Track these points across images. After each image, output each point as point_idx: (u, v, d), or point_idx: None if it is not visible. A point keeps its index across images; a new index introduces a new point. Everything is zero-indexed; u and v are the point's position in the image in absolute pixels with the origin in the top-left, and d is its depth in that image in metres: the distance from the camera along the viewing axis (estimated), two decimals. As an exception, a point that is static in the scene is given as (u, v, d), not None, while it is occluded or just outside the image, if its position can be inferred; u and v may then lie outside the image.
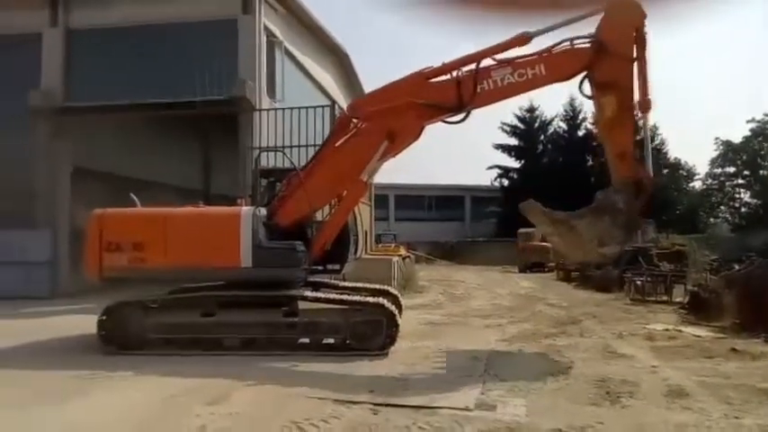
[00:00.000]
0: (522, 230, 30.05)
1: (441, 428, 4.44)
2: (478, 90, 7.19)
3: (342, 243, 8.00)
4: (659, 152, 37.81)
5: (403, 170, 48.87)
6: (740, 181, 42.22)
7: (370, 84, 21.33)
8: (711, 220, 43.75)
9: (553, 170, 40.89)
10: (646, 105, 7.15)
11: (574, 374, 6.20)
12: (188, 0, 14.30)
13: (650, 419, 4.69)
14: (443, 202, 48.16)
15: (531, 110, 45.17)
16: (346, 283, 9.02)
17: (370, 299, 7.68)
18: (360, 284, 9.02)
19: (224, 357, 6.93)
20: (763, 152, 39.49)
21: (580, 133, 43.86)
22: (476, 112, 7.43)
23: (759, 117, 39.32)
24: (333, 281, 8.85)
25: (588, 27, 7.24)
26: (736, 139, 40.73)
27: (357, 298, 7.72)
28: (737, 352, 7.26)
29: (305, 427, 4.45)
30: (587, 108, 42.63)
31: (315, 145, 11.70)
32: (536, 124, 45.70)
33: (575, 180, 37.33)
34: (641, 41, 7.07)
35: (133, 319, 7.35)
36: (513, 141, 45.58)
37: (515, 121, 45.35)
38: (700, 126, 68.22)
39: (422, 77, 7.42)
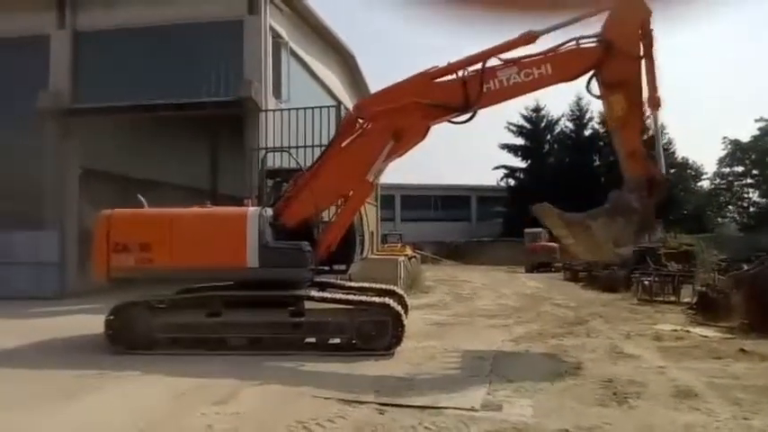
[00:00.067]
0: (528, 230, 30.01)
1: (446, 428, 4.43)
2: (484, 90, 7.16)
3: (348, 243, 8.01)
4: (666, 152, 37.60)
5: (409, 170, 48.91)
6: (749, 180, 41.97)
7: (375, 84, 21.36)
8: (719, 219, 43.53)
9: (560, 170, 40.78)
10: (655, 102, 7.10)
11: (581, 375, 6.17)
12: (194, 1, 14.34)
13: (658, 420, 4.66)
14: (449, 202, 48.10)
15: (538, 109, 45.13)
16: (352, 284, 9.03)
17: (376, 299, 7.68)
18: (366, 284, 9.02)
19: (230, 357, 6.95)
20: (771, 151, 39.23)
21: (587, 133, 43.76)
22: (482, 112, 7.40)
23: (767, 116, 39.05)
24: (339, 281, 8.85)
25: (595, 26, 7.22)
26: (745, 138, 40.50)
27: (363, 298, 7.72)
28: (746, 352, 7.21)
29: (311, 427, 4.45)
30: (594, 107, 42.62)
31: (321, 145, 11.71)
32: (542, 124, 45.60)
33: (581, 180, 37.23)
34: (648, 39, 7.03)
35: (140, 318, 7.38)
36: (520, 141, 45.54)
37: (521, 121, 45.33)
38: (707, 125, 67.92)
39: (427, 77, 7.41)
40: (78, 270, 13.89)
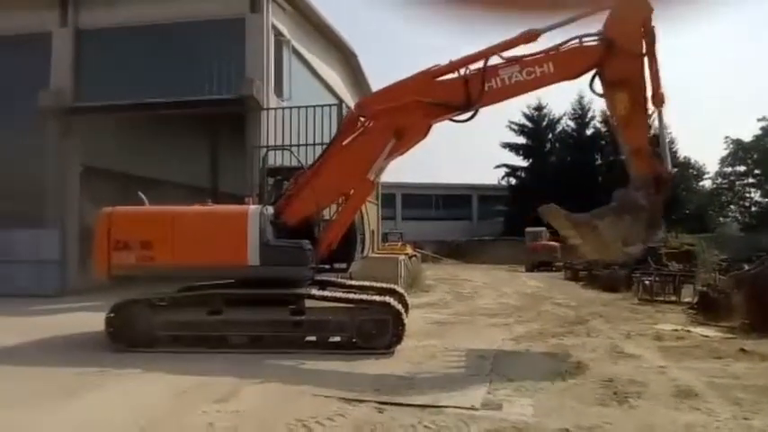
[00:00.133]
0: (529, 229, 30.01)
1: (446, 427, 4.43)
2: (486, 88, 7.15)
3: (349, 242, 8.01)
4: (669, 150, 37.61)
5: (410, 169, 48.98)
6: (750, 180, 41.93)
7: (377, 82, 21.35)
8: (721, 219, 43.50)
9: (561, 169, 40.79)
10: (659, 99, 7.07)
11: (581, 374, 6.17)
12: (196, -1, 14.36)
13: (658, 420, 4.65)
14: (450, 201, 48.10)
15: (539, 108, 45.12)
16: (353, 282, 9.03)
17: (377, 297, 7.68)
18: (366, 283, 9.02)
19: (231, 355, 6.95)
20: (773, 151, 39.18)
21: (588, 132, 43.74)
22: (483, 111, 7.39)
23: (770, 116, 38.98)
24: (339, 279, 8.86)
25: (597, 24, 7.21)
26: (747, 137, 40.45)
27: (363, 296, 7.73)
28: (747, 352, 7.20)
29: (311, 425, 4.46)
30: (596, 106, 42.67)
31: (322, 144, 11.72)
32: (544, 123, 45.59)
33: (583, 179, 37.26)
34: (650, 37, 7.00)
35: (141, 316, 7.39)
36: (521, 140, 45.54)
37: (523, 120, 45.33)
38: (708, 125, 67.84)
39: (429, 76, 7.39)
40: (79, 268, 13.92)
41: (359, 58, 22.03)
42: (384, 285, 9.07)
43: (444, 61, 7.38)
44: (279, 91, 14.93)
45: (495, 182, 47.22)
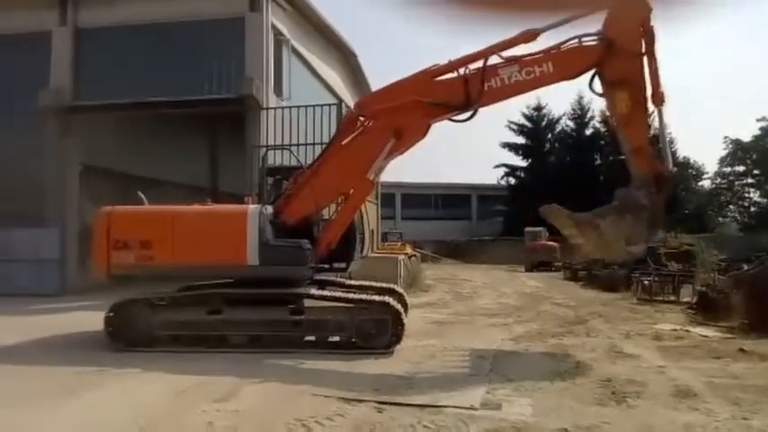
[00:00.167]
0: (528, 229, 30.02)
1: (446, 427, 4.43)
2: (486, 88, 7.15)
3: (348, 241, 8.01)
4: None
5: (409, 168, 48.97)
6: (749, 180, 41.95)
7: (376, 82, 21.35)
8: (720, 219, 43.52)
9: (561, 169, 40.80)
10: (659, 98, 7.07)
11: (580, 374, 6.18)
12: (196, -2, 14.35)
13: (657, 420, 4.66)
14: (450, 201, 48.10)
15: (539, 108, 45.12)
16: (352, 282, 9.03)
17: (376, 297, 7.68)
18: (366, 283, 9.02)
19: (230, 355, 6.95)
20: (773, 151, 39.19)
21: (588, 132, 43.76)
22: (482, 111, 7.39)
23: (769, 116, 38.99)
24: (339, 279, 8.86)
25: (597, 24, 7.21)
26: (746, 137, 40.47)
27: (363, 296, 7.73)
28: (746, 352, 7.21)
29: (310, 425, 4.46)
30: (595, 106, 42.68)
31: (321, 143, 11.70)
32: (543, 123, 45.60)
33: (582, 179, 37.25)
34: (649, 36, 7.00)
35: (140, 316, 7.39)
36: (521, 140, 45.54)
37: (522, 120, 45.34)
38: (707, 125, 67.91)
39: (428, 76, 7.40)
40: (79, 267, 13.91)
41: (358, 58, 22.04)
42: (383, 285, 9.07)
43: (444, 61, 7.39)
44: (278, 90, 14.93)
45: (495, 182, 47.30)
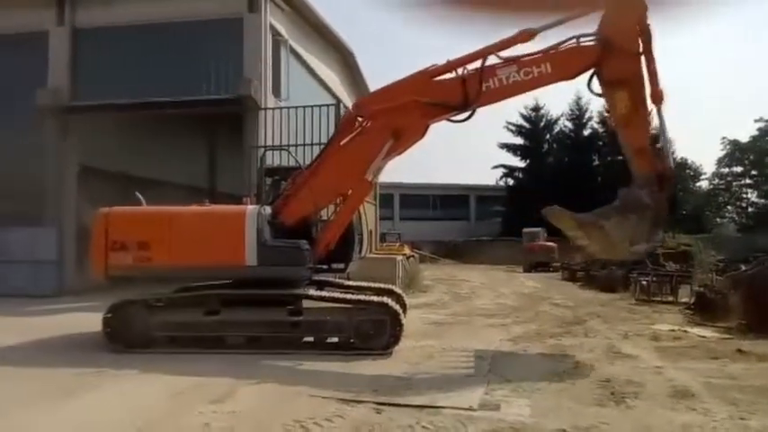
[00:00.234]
0: (526, 230, 30.05)
1: (444, 428, 4.43)
2: (484, 88, 7.15)
3: (346, 242, 8.00)
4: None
5: (408, 169, 48.96)
6: (747, 181, 42.03)
7: (375, 82, 21.34)
8: (718, 219, 43.59)
9: (559, 170, 40.85)
10: (658, 97, 7.06)
11: (578, 375, 6.18)
12: (194, -1, 14.33)
13: (655, 420, 4.66)
14: (448, 202, 48.12)
15: (537, 109, 45.17)
16: (351, 282, 9.03)
17: (375, 298, 7.68)
18: (364, 283, 9.02)
19: (228, 356, 6.94)
20: (771, 152, 39.26)
21: (586, 132, 43.81)
22: (480, 111, 7.40)
23: (767, 116, 39.07)
24: (337, 280, 8.85)
25: (594, 24, 7.20)
26: (744, 138, 40.55)
27: (361, 297, 7.72)
28: (743, 353, 7.22)
29: (308, 426, 4.45)
30: (593, 107, 42.73)
31: (320, 144, 11.70)
32: (541, 123, 45.63)
33: (580, 179, 37.30)
34: (645, 34, 7.00)
35: (138, 317, 7.38)
36: (519, 140, 45.58)
37: (521, 121, 45.37)
38: (706, 125, 68.04)
39: (426, 76, 7.40)
40: (76, 268, 13.87)
41: (356, 58, 22.03)
42: (382, 286, 9.06)
43: (442, 61, 7.39)
44: (276, 91, 14.92)
45: (493, 182, 47.35)
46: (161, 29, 14.36)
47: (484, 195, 47.92)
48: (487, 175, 66.53)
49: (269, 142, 13.32)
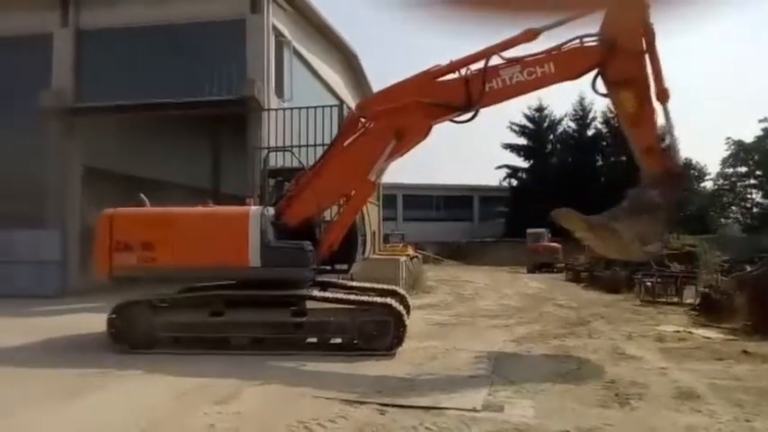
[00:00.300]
0: (530, 230, 30.01)
1: (448, 429, 4.42)
2: (487, 89, 7.13)
3: (350, 243, 8.01)
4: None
5: (411, 170, 48.94)
6: (752, 181, 41.85)
7: (378, 83, 21.38)
8: (722, 220, 43.40)
9: (562, 170, 40.79)
10: (663, 95, 7.03)
11: (582, 376, 6.16)
12: (197, 0, 14.35)
13: (659, 422, 4.65)
14: (451, 202, 48.10)
15: (540, 109, 45.10)
16: (354, 283, 9.02)
17: (378, 299, 7.67)
18: (368, 284, 9.01)
19: (232, 356, 6.95)
20: (775, 152, 39.07)
21: (590, 133, 43.72)
22: (484, 112, 7.38)
23: (772, 117, 38.88)
24: (341, 281, 8.85)
25: (597, 24, 7.19)
26: (748, 138, 40.39)
27: (365, 298, 7.72)
28: (749, 354, 7.19)
29: (312, 427, 4.45)
30: (597, 107, 42.65)
31: (323, 145, 11.72)
32: (545, 124, 45.57)
33: (584, 180, 37.25)
34: (648, 33, 6.97)
35: (142, 317, 7.39)
36: (522, 141, 45.52)
37: (524, 121, 45.30)
38: (708, 125, 67.75)
39: (429, 76, 7.39)
40: (80, 268, 13.92)
41: (359, 59, 22.05)
42: (385, 287, 9.07)
43: (445, 62, 7.39)
44: (280, 92, 14.94)
45: (497, 183, 47.30)
46: (164, 30, 14.40)
47: (487, 196, 47.86)
48: (491, 176, 66.40)
49: (272, 143, 13.34)
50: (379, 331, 7.15)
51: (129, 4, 14.55)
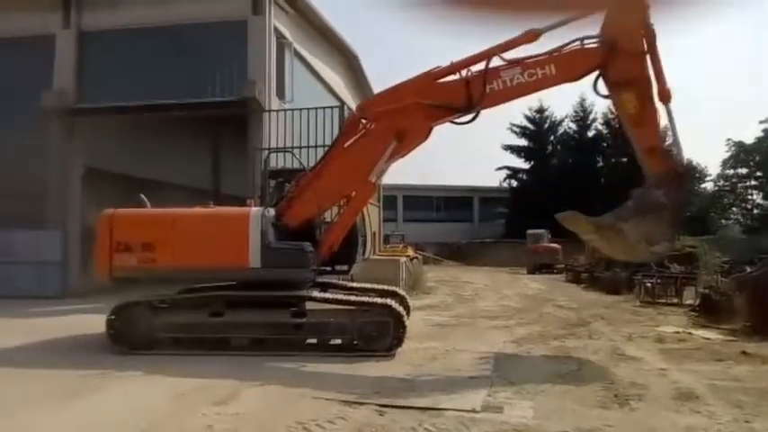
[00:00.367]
0: (530, 231, 30.01)
1: (447, 430, 4.42)
2: (488, 90, 7.14)
3: (350, 244, 8.01)
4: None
5: (411, 171, 48.94)
6: (752, 182, 41.81)
7: (378, 84, 21.39)
8: (723, 221, 43.34)
9: (563, 171, 40.79)
10: (665, 95, 7.02)
11: (582, 377, 6.17)
12: (198, 1, 14.37)
13: (659, 423, 4.65)
14: (452, 203, 48.12)
15: (541, 110, 45.13)
16: (354, 284, 9.03)
17: (378, 300, 7.68)
18: (368, 285, 9.02)
19: (232, 357, 6.96)
20: (776, 153, 39.02)
21: (590, 134, 43.74)
22: (484, 113, 7.38)
23: (772, 118, 38.84)
24: (341, 281, 8.86)
25: (598, 25, 7.19)
26: (749, 139, 40.36)
27: (365, 299, 7.72)
28: (748, 355, 7.19)
29: (311, 428, 4.46)
30: (598, 108, 42.66)
31: (324, 146, 11.72)
32: (546, 125, 45.60)
33: (584, 181, 37.26)
34: (649, 33, 6.96)
35: (142, 318, 7.39)
36: (523, 142, 45.55)
37: (525, 122, 45.33)
38: (708, 126, 67.72)
39: (430, 78, 7.40)
40: (80, 269, 13.92)
41: (360, 60, 22.07)
42: (385, 287, 9.07)
43: (446, 63, 7.39)
44: (281, 93, 14.96)
45: (497, 184, 47.31)
46: (166, 31, 14.42)
47: (488, 197, 47.88)
48: (491, 177, 66.41)
49: (273, 144, 13.35)
50: (378, 332, 7.16)
51: (131, 5, 14.57)
